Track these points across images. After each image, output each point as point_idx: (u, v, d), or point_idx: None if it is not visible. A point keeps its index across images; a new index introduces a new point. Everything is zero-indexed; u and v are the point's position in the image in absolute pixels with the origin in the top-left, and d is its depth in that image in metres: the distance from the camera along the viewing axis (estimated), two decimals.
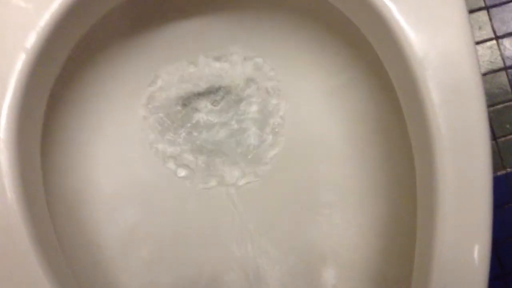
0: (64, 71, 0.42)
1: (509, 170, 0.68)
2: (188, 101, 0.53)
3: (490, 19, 0.67)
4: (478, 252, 0.38)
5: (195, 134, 0.53)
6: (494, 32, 0.68)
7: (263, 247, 0.53)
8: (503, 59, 0.68)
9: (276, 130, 0.54)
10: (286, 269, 0.53)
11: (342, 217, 0.53)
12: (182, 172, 0.53)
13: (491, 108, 0.67)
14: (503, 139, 0.68)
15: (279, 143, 0.54)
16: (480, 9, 0.67)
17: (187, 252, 0.53)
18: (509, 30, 0.68)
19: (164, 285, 0.51)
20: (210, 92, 0.53)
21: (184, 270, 0.52)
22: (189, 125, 0.53)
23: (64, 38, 0.39)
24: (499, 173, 0.67)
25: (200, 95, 0.53)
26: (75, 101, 0.49)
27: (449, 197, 0.37)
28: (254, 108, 0.54)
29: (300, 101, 0.54)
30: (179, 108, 0.53)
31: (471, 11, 0.66)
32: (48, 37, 0.36)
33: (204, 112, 0.53)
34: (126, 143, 0.52)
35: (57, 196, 0.47)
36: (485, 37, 0.68)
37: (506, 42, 0.67)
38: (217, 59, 0.53)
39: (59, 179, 0.48)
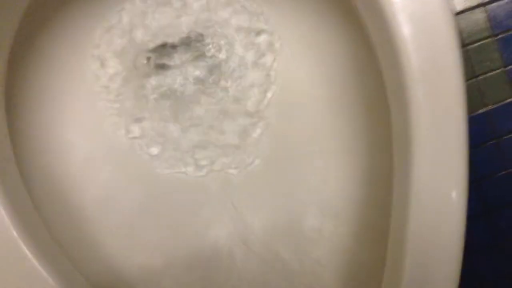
0: (22, 30, 0.40)
1: (489, 107, 0.68)
2: (157, 53, 0.51)
3: None
4: (455, 189, 0.38)
5: (165, 98, 0.52)
6: None
7: (245, 199, 0.53)
8: None
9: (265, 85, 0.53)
10: (270, 221, 0.53)
11: (323, 166, 0.53)
12: (154, 151, 0.52)
13: (470, 46, 0.67)
14: (482, 76, 0.67)
15: (270, 89, 0.53)
16: None
17: (169, 209, 0.52)
18: None
19: (148, 241, 0.51)
20: (185, 43, 0.52)
21: (167, 225, 0.52)
22: (159, 86, 0.52)
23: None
24: (479, 111, 0.67)
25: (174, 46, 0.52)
26: (35, 60, 0.47)
27: (424, 137, 0.37)
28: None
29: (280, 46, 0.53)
30: (145, 61, 0.51)
31: None
32: None
33: (177, 68, 0.52)
34: (95, 104, 0.51)
35: (30, 159, 0.46)
36: None
37: None
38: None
39: (31, 141, 0.47)
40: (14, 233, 0.36)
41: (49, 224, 0.42)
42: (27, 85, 0.47)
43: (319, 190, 0.52)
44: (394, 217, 0.41)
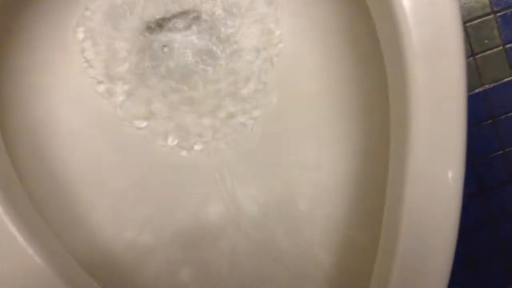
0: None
1: (487, 87, 0.67)
2: (151, 26, 0.50)
3: None
4: (451, 169, 0.37)
5: (158, 71, 0.51)
6: None
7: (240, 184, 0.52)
8: None
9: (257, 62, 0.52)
10: (263, 201, 0.52)
11: (316, 151, 0.52)
12: (142, 124, 0.51)
13: (469, 24, 0.65)
14: (481, 55, 0.66)
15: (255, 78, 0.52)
16: None
17: (160, 185, 0.52)
18: None
19: (138, 218, 0.51)
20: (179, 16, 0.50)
21: (158, 202, 0.51)
22: (151, 55, 0.51)
23: None
24: (477, 90, 0.67)
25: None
26: (21, 32, 0.46)
27: (422, 114, 0.36)
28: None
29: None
30: (140, 36, 0.50)
31: None
32: None
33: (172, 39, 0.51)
34: (81, 75, 0.50)
35: (15, 136, 0.45)
36: None
37: None
38: None
39: (18, 112, 0.46)
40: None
41: (35, 199, 0.42)
42: (10, 62, 0.46)
43: (313, 171, 0.52)
44: (388, 197, 0.40)
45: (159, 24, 0.50)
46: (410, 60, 0.36)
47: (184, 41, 0.51)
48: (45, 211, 0.42)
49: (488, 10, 0.66)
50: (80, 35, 0.49)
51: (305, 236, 0.51)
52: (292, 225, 0.51)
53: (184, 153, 0.52)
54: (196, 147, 0.52)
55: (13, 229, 0.35)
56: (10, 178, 0.40)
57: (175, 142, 0.51)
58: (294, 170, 0.52)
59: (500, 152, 0.68)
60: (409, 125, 0.37)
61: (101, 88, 0.49)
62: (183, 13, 0.50)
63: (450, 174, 0.37)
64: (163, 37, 0.50)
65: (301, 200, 0.52)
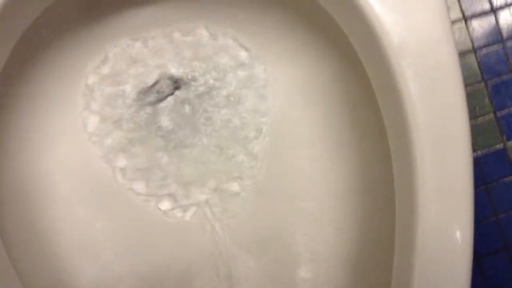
0: (8, 67, 0.38)
1: (479, 153, 0.68)
2: (145, 92, 0.50)
3: (459, 0, 0.66)
4: (460, 233, 0.37)
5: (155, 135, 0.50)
6: (463, 13, 0.66)
7: (234, 248, 0.51)
8: (471, 40, 0.66)
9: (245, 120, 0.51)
10: (259, 266, 0.51)
11: (316, 211, 0.51)
12: (137, 179, 0.50)
13: None
14: (473, 121, 0.67)
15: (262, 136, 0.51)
16: None
17: (152, 250, 0.50)
18: (477, 11, 0.66)
19: (129, 283, 0.49)
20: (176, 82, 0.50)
21: (150, 271, 0.49)
22: (146, 119, 0.50)
23: (5, 33, 0.36)
24: None
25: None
26: (24, 96, 0.45)
27: (429, 181, 0.36)
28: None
29: (274, 90, 0.51)
30: (135, 100, 0.49)
31: None
32: None
33: (165, 104, 0.50)
34: (80, 137, 0.48)
35: (5, 195, 0.43)
36: (454, 18, 0.66)
37: (474, 23, 0.66)
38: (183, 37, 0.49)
39: (8, 178, 0.44)
40: None
41: (18, 263, 0.40)
42: (10, 123, 0.45)
43: (313, 243, 0.51)
44: (396, 263, 0.40)
45: (152, 92, 0.50)
46: (416, 138, 0.36)
47: (176, 107, 0.51)
48: (28, 276, 0.40)
49: (478, 78, 0.67)
50: (81, 102, 0.48)
51: None
52: None
53: (178, 220, 0.50)
54: (189, 214, 0.51)
55: None
56: None
57: (169, 207, 0.50)
58: (293, 230, 0.51)
59: (493, 218, 0.68)
60: (417, 195, 0.36)
61: (99, 153, 0.48)
62: (175, 81, 0.50)
63: (459, 238, 0.37)
64: (156, 106, 0.50)
65: (301, 265, 0.50)
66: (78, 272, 0.47)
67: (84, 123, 0.49)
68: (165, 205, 0.50)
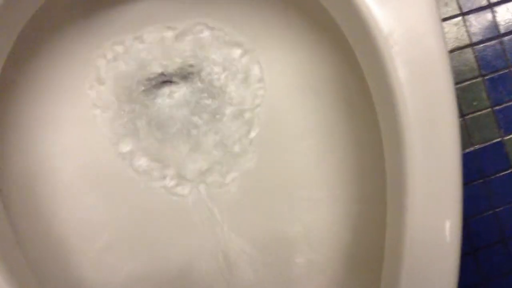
0: (13, 53, 0.39)
1: (477, 147, 0.68)
2: (146, 84, 0.51)
3: None
4: (449, 228, 0.37)
5: (153, 123, 0.51)
6: (460, 8, 0.67)
7: (231, 235, 0.52)
8: (469, 35, 0.67)
9: (244, 113, 0.52)
10: (256, 253, 0.52)
11: (310, 200, 0.52)
12: (140, 167, 0.51)
13: (458, 86, 0.67)
14: (470, 116, 0.68)
15: (254, 126, 0.52)
16: None
17: (153, 240, 0.51)
18: (474, 6, 0.67)
19: (130, 273, 0.50)
20: (174, 74, 0.51)
21: (151, 258, 0.50)
22: (147, 111, 0.51)
23: (10, 21, 0.37)
24: (466, 150, 0.68)
25: (162, 76, 0.51)
26: (30, 83, 0.46)
27: (418, 176, 0.37)
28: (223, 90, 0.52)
29: (269, 79, 0.52)
30: (136, 91, 0.51)
31: None
32: None
33: (165, 97, 0.52)
34: (81, 128, 0.50)
35: (10, 182, 0.45)
36: (451, 13, 0.67)
37: (471, 18, 0.67)
38: (181, 33, 0.51)
39: (13, 165, 0.46)
40: None
41: (24, 245, 0.41)
42: (13, 109, 0.46)
43: (308, 230, 0.51)
44: (386, 261, 0.40)
45: (156, 82, 0.51)
46: (406, 129, 0.36)
47: (179, 97, 0.52)
48: (31, 254, 0.42)
49: (476, 73, 0.68)
50: (86, 91, 0.49)
51: None
52: (287, 280, 0.51)
53: (179, 206, 0.51)
54: (188, 192, 0.52)
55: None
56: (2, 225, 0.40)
57: (172, 183, 0.51)
58: (288, 219, 0.52)
59: (490, 212, 0.69)
60: (405, 185, 0.37)
61: (102, 139, 0.50)
62: (180, 70, 0.51)
63: (447, 231, 0.37)
64: (159, 94, 0.51)
65: (296, 252, 0.51)
66: (82, 254, 0.48)
67: (89, 110, 0.50)
68: (168, 184, 0.51)
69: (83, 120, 0.49)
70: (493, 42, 0.67)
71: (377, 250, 0.42)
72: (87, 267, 0.48)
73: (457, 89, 0.67)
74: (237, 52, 0.52)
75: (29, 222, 0.46)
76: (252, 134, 0.52)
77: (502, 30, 0.67)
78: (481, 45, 0.67)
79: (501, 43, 0.67)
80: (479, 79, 0.68)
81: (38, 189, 0.47)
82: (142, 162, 0.51)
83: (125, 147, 0.50)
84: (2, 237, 0.37)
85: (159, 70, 0.51)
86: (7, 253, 0.37)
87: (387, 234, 0.41)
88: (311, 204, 0.51)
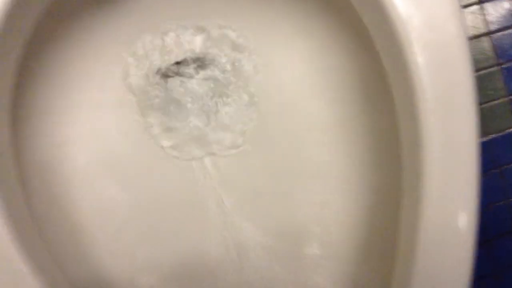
0: (34, 40, 0.40)
1: (492, 136, 0.68)
2: (164, 73, 0.51)
3: None
4: (464, 218, 0.37)
5: (172, 106, 0.52)
6: None
7: (243, 223, 0.52)
8: (486, 24, 0.66)
9: (255, 99, 0.52)
10: (268, 242, 0.52)
11: (324, 189, 0.52)
12: (164, 142, 0.51)
13: (474, 74, 0.66)
14: (486, 105, 0.67)
15: (256, 111, 0.52)
16: None
17: (166, 227, 0.51)
18: None
19: (143, 259, 0.50)
20: (187, 64, 0.52)
21: (162, 245, 0.51)
22: (166, 96, 0.51)
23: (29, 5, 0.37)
24: (482, 140, 0.67)
25: (177, 66, 0.51)
26: (47, 71, 0.47)
27: (435, 163, 0.37)
28: (228, 75, 0.52)
29: (279, 67, 0.52)
30: (155, 80, 0.51)
31: None
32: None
33: (182, 83, 0.52)
34: (100, 113, 0.50)
35: (29, 169, 0.45)
36: (468, 1, 0.67)
37: (489, 6, 0.66)
38: (197, 29, 0.51)
39: (32, 151, 0.46)
40: (5, 230, 0.35)
41: (41, 227, 0.42)
42: (33, 97, 0.46)
43: (320, 210, 0.51)
44: (401, 244, 0.40)
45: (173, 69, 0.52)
46: (423, 115, 0.36)
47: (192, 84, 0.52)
48: (49, 238, 0.43)
49: (492, 62, 0.67)
50: (101, 76, 0.50)
51: (313, 284, 0.50)
52: (299, 270, 0.51)
53: (190, 184, 0.52)
54: (202, 177, 0.52)
55: (16, 254, 0.35)
56: (19, 205, 0.40)
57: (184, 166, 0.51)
58: (300, 208, 0.52)
59: (504, 202, 0.68)
60: (422, 174, 0.37)
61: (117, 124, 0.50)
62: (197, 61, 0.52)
63: (462, 222, 0.37)
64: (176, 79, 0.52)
65: (308, 242, 0.51)
66: (96, 237, 0.49)
67: (106, 96, 0.50)
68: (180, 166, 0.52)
69: (99, 106, 0.50)
70: (510, 31, 0.67)
71: (391, 241, 0.42)
72: (102, 251, 0.49)
73: None
74: (247, 41, 0.52)
75: (47, 207, 0.47)
76: (263, 125, 0.52)
77: None
78: (498, 33, 0.67)
79: None
80: (495, 68, 0.67)
81: (56, 176, 0.48)
82: (156, 147, 0.51)
83: (140, 134, 0.51)
84: (22, 222, 0.38)
85: (177, 59, 0.51)
86: (26, 237, 0.37)
87: (402, 225, 0.40)
88: (325, 195, 0.51)
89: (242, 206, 0.52)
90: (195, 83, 0.52)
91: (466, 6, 0.67)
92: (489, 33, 0.67)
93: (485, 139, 0.67)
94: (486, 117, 0.67)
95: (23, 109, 0.44)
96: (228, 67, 0.52)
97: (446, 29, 0.36)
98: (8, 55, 0.38)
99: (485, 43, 0.67)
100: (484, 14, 0.66)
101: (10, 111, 0.40)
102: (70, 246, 0.48)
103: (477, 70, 0.67)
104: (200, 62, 0.52)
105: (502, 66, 0.67)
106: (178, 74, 0.52)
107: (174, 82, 0.52)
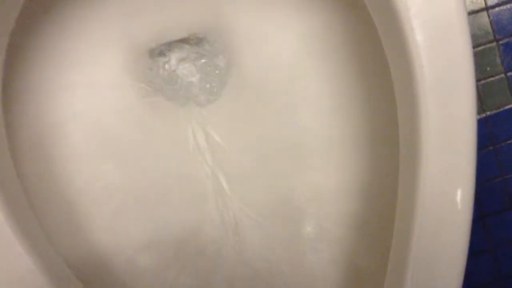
0: (25, 15, 0.39)
1: (488, 113, 0.67)
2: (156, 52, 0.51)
3: None
4: (461, 195, 0.37)
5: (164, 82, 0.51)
6: None
7: (239, 203, 0.52)
8: None
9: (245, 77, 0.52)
10: (264, 221, 0.52)
11: (320, 169, 0.52)
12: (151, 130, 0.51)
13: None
14: (483, 81, 0.67)
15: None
16: None
17: (163, 204, 0.51)
18: None
19: (139, 238, 0.50)
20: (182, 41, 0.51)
21: (159, 224, 0.51)
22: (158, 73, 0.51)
23: None
24: (479, 117, 0.67)
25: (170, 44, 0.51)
26: (40, 48, 0.46)
27: (432, 140, 0.36)
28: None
29: (275, 44, 0.52)
30: (147, 59, 0.50)
31: None
32: None
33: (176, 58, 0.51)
34: (93, 92, 0.49)
35: (22, 146, 0.45)
36: None
37: None
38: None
39: (25, 129, 0.46)
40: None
41: (34, 203, 0.42)
42: (25, 73, 0.45)
43: (318, 191, 0.51)
44: (397, 223, 0.40)
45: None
46: (421, 92, 0.36)
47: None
48: (44, 216, 0.42)
49: (490, 37, 0.66)
50: (93, 56, 0.49)
51: (310, 263, 0.50)
52: (296, 252, 0.51)
53: (188, 168, 0.51)
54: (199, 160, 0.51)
55: (10, 231, 0.35)
56: (12, 183, 0.40)
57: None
58: (297, 188, 0.52)
59: (500, 178, 0.68)
60: (419, 152, 0.37)
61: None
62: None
63: (459, 199, 0.37)
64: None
65: (305, 222, 0.51)
66: (92, 218, 0.49)
67: (101, 75, 0.49)
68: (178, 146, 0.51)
69: (94, 84, 0.49)
70: (509, 6, 0.66)
71: (388, 219, 0.41)
72: (99, 231, 0.49)
73: None
74: (241, 16, 0.51)
75: (42, 186, 0.46)
76: (259, 102, 0.52)
77: None
78: (497, 8, 0.66)
79: None
80: (493, 43, 0.66)
81: (50, 154, 0.48)
82: (153, 125, 0.51)
83: (135, 112, 0.50)
84: (16, 201, 0.38)
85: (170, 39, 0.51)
86: (21, 217, 0.37)
87: (398, 202, 0.40)
88: (321, 172, 0.51)
89: (239, 185, 0.52)
90: (187, 62, 0.52)
91: None
92: (487, 8, 0.66)
93: (481, 115, 0.67)
94: (483, 94, 0.67)
95: (15, 87, 0.44)
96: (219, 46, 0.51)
97: (446, 5, 0.36)
98: None
99: (483, 18, 0.66)
100: None
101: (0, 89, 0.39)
102: (65, 225, 0.48)
103: (475, 46, 0.66)
104: (192, 41, 0.51)
105: (500, 42, 0.66)
106: (169, 51, 0.51)
107: (165, 60, 0.51)
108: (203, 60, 0.52)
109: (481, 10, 0.66)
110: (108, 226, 0.49)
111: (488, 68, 0.67)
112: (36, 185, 0.45)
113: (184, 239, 0.51)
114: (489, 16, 0.66)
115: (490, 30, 0.66)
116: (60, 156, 0.48)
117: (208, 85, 0.52)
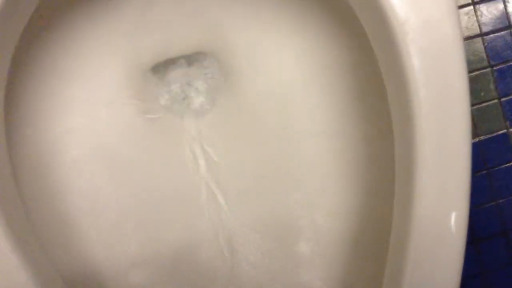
0: (28, 31, 0.39)
1: (482, 138, 0.68)
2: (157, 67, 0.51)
3: None
4: (455, 219, 0.37)
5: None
6: None
7: (233, 219, 0.52)
8: (479, 25, 0.67)
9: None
10: (259, 238, 0.52)
11: (315, 187, 0.52)
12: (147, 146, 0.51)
13: None
14: (477, 106, 0.67)
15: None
16: None
17: (159, 219, 0.51)
18: None
19: (136, 254, 0.50)
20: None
21: (153, 240, 0.51)
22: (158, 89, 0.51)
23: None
24: (472, 141, 0.67)
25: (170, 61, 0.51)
26: (37, 65, 0.46)
27: (427, 163, 0.37)
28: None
29: (273, 66, 0.52)
30: (148, 75, 0.51)
31: None
32: None
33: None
34: (93, 108, 0.49)
35: (21, 160, 0.45)
36: (462, 2, 0.67)
37: (483, 8, 0.66)
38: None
39: (24, 143, 0.46)
40: None
41: (33, 216, 0.42)
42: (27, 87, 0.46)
43: (313, 209, 0.51)
44: (392, 245, 0.40)
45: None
46: (417, 116, 0.36)
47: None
48: (40, 230, 0.43)
49: (485, 63, 0.67)
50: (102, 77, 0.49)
51: (303, 281, 0.50)
52: (291, 270, 0.51)
53: (182, 181, 0.51)
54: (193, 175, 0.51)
55: (7, 244, 0.35)
56: (11, 197, 0.40)
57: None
58: (294, 213, 0.52)
59: (492, 203, 0.69)
60: (414, 175, 0.37)
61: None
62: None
63: (453, 222, 0.37)
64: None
65: (299, 239, 0.51)
66: (89, 230, 0.49)
67: (99, 91, 0.50)
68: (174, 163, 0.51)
69: (93, 100, 0.49)
70: (503, 33, 0.67)
71: (382, 239, 0.42)
72: (94, 246, 0.49)
73: None
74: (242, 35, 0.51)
75: (39, 200, 0.46)
76: (258, 117, 0.52)
77: None
78: (491, 35, 0.67)
79: None
80: (487, 69, 0.67)
81: (48, 169, 0.48)
82: (151, 141, 0.51)
83: (134, 128, 0.50)
84: (13, 214, 0.37)
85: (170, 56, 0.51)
86: (18, 229, 0.37)
87: (393, 223, 0.41)
88: (317, 192, 0.51)
89: (235, 202, 0.52)
90: (186, 80, 0.52)
91: (460, 7, 0.67)
92: (482, 35, 0.67)
93: (475, 140, 0.68)
94: (477, 118, 0.68)
95: (16, 102, 0.44)
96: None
97: (443, 31, 0.36)
98: (3, 47, 0.37)
99: (478, 44, 0.67)
100: (478, 16, 0.67)
101: (2, 104, 0.40)
102: (62, 239, 0.48)
103: (469, 71, 0.67)
104: (190, 59, 0.52)
105: (494, 68, 0.67)
106: (169, 69, 0.52)
107: (164, 77, 0.52)
108: (202, 78, 0.52)
109: (476, 36, 0.67)
110: (104, 241, 0.49)
111: (482, 93, 0.68)
112: (33, 199, 0.45)
113: (179, 255, 0.51)
114: (483, 43, 0.67)
115: (484, 56, 0.67)
116: (58, 170, 0.48)
117: (206, 103, 0.52)
